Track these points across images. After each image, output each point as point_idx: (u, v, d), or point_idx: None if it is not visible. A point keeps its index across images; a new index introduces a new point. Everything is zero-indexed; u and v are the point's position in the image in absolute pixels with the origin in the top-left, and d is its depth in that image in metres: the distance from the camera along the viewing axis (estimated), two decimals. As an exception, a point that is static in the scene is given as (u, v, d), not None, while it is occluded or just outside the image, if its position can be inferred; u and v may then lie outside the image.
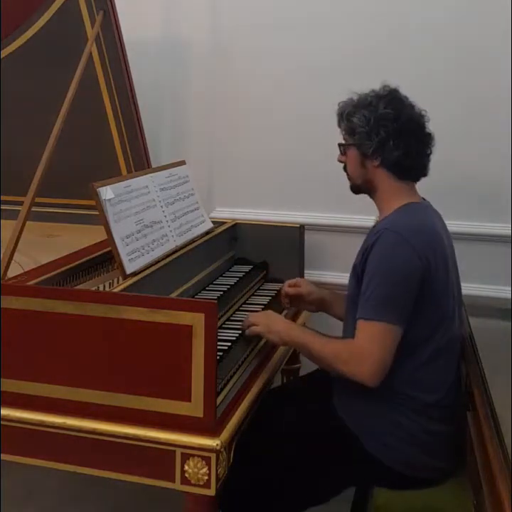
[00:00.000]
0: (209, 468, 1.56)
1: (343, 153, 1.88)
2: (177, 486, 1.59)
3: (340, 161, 1.90)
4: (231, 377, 1.78)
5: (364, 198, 1.88)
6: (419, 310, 1.69)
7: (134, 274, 1.93)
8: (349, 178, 1.89)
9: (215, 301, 1.59)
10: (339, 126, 1.87)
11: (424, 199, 1.88)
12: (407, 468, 1.72)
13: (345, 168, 1.89)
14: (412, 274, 1.67)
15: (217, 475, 1.56)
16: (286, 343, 1.92)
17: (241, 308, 2.26)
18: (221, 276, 2.47)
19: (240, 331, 1.98)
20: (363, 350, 1.67)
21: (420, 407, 1.73)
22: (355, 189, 1.89)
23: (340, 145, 1.89)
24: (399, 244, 1.68)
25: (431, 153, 1.83)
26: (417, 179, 1.85)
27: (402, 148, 1.76)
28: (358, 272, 1.76)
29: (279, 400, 2.01)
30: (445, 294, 1.77)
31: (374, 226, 1.89)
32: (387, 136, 1.76)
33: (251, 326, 1.92)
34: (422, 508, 1.71)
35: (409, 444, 1.72)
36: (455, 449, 1.77)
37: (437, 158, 1.86)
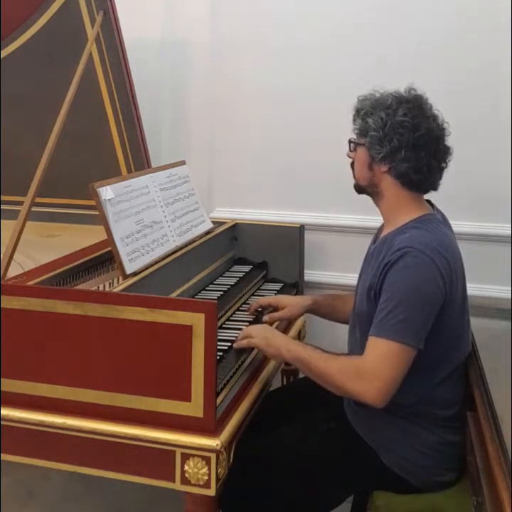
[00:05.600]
0: (209, 469, 1.56)
1: (353, 149, 1.81)
2: (177, 486, 1.59)
3: (349, 157, 1.84)
4: (231, 377, 1.78)
5: (364, 197, 1.87)
6: (438, 332, 1.65)
7: (134, 274, 1.93)
8: (354, 177, 1.84)
9: (215, 301, 1.59)
10: (354, 122, 1.80)
11: (429, 203, 1.83)
12: (424, 479, 1.72)
13: (352, 165, 1.84)
14: (435, 298, 1.62)
15: (217, 475, 1.56)
16: (284, 358, 1.82)
17: (241, 308, 2.25)
18: (221, 276, 2.47)
19: (240, 331, 1.95)
20: (374, 368, 1.61)
21: (439, 421, 1.72)
22: (359, 189, 1.84)
23: (350, 142, 1.82)
24: (426, 266, 1.61)
25: (446, 167, 1.75)
26: (425, 192, 1.78)
27: (413, 161, 1.69)
28: (375, 290, 1.68)
29: (282, 404, 2.00)
30: (462, 314, 1.74)
31: (379, 234, 1.84)
32: (399, 145, 1.68)
33: (247, 337, 1.86)
34: (421, 508, 1.71)
35: (428, 456, 1.71)
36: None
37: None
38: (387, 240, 1.73)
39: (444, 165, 1.75)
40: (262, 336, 1.84)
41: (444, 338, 1.68)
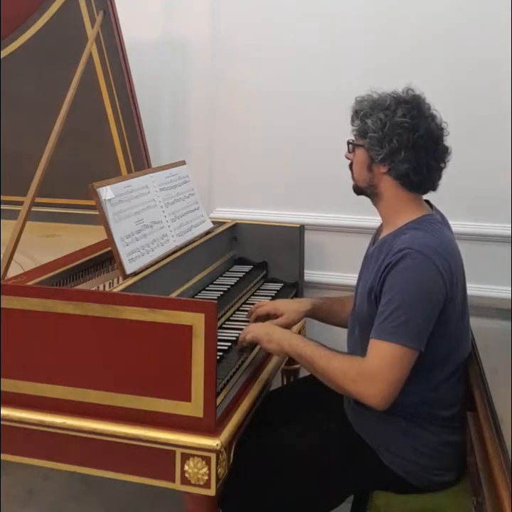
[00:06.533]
0: (209, 468, 1.56)
1: (351, 151, 1.80)
2: (177, 486, 1.59)
3: (348, 158, 1.83)
4: (231, 377, 1.78)
5: (364, 197, 1.86)
6: (438, 333, 1.64)
7: (134, 274, 1.93)
8: (353, 178, 1.83)
9: (215, 301, 1.59)
10: (352, 123, 1.79)
11: (428, 203, 1.82)
12: (424, 479, 1.71)
13: (350, 167, 1.83)
14: (436, 299, 1.62)
15: (217, 475, 1.56)
16: (287, 353, 1.83)
17: (241, 308, 2.26)
18: (221, 276, 2.47)
19: (240, 331, 1.96)
20: (376, 371, 1.60)
21: (439, 422, 1.72)
22: (358, 191, 1.83)
23: (349, 143, 1.81)
24: (426, 268, 1.60)
25: (444, 167, 1.75)
26: (425, 193, 1.78)
27: (413, 162, 1.68)
28: (376, 292, 1.68)
29: (282, 404, 2.00)
30: (462, 315, 1.74)
31: (379, 234, 1.84)
32: (399, 146, 1.67)
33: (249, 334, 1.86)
34: (421, 508, 1.71)
35: (428, 456, 1.71)
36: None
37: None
38: (387, 241, 1.73)
39: (443, 165, 1.75)
40: (264, 331, 1.85)
41: (445, 339, 1.68)
